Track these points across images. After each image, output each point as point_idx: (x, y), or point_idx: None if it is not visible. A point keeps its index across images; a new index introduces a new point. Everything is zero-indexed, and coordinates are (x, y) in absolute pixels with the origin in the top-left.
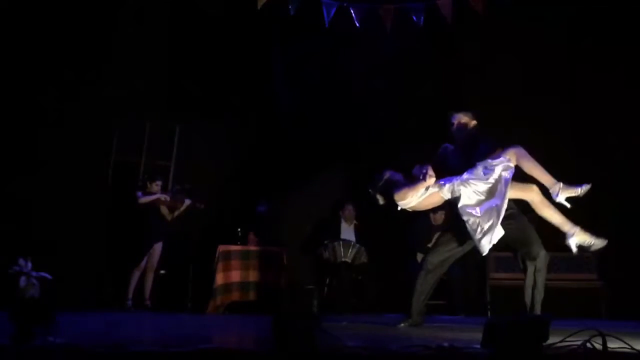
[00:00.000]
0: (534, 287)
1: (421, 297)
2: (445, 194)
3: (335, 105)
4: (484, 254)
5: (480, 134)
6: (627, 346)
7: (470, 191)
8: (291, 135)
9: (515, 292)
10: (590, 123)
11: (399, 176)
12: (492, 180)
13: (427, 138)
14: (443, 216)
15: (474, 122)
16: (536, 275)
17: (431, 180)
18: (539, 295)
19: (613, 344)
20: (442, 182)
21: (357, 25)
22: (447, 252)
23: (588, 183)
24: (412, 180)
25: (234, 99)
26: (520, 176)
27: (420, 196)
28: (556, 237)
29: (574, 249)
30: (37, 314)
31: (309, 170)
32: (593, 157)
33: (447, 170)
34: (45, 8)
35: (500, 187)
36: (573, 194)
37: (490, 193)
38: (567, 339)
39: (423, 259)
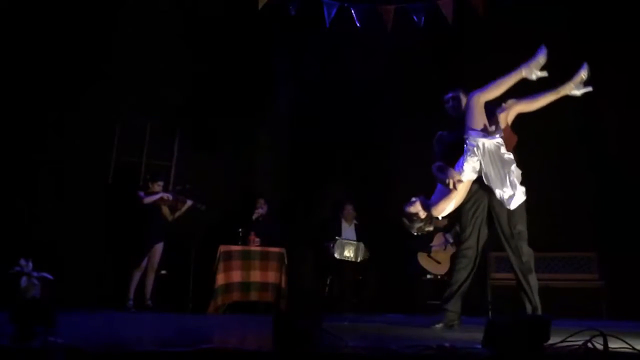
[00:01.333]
0: (530, 290)
1: (453, 288)
2: (470, 175)
3: (335, 106)
4: (513, 208)
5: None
6: (628, 346)
7: (483, 155)
8: (291, 135)
9: (516, 292)
10: (591, 123)
11: (421, 199)
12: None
13: (428, 138)
14: (446, 221)
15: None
16: (528, 279)
17: (460, 185)
18: (537, 296)
19: (614, 344)
20: (458, 169)
21: (358, 25)
22: (474, 236)
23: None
24: (437, 182)
25: (234, 99)
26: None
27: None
28: (557, 238)
29: (588, 89)
30: (37, 314)
31: (309, 171)
32: (593, 157)
33: (450, 151)
34: (46, 8)
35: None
36: (540, 65)
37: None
38: (568, 339)
39: (455, 252)
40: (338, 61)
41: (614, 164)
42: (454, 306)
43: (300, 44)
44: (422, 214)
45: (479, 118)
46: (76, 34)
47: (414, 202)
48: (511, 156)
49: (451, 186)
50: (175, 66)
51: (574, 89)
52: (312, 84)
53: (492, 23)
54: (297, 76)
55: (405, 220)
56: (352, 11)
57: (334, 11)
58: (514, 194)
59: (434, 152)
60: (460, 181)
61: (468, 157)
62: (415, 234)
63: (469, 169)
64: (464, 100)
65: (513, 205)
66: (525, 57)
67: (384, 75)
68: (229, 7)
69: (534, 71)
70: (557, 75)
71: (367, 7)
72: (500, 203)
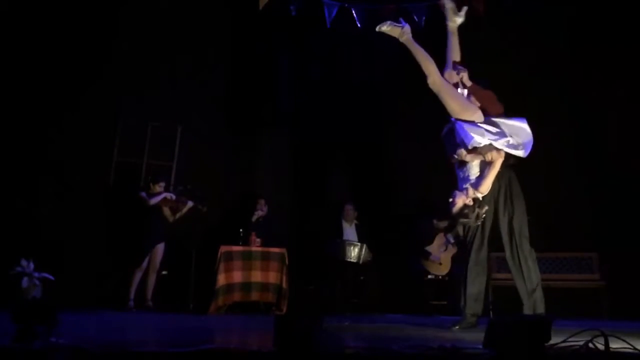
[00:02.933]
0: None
1: (472, 293)
2: (485, 140)
3: (335, 106)
4: (525, 156)
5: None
6: (629, 346)
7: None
8: (292, 135)
9: (517, 293)
10: (591, 122)
11: (457, 192)
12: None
13: (427, 137)
14: (446, 223)
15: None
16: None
17: (501, 154)
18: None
19: (615, 344)
20: (470, 140)
21: (359, 25)
22: (479, 235)
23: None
24: (458, 170)
25: (235, 99)
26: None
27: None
28: (557, 238)
29: (464, 9)
30: (39, 315)
31: (309, 171)
32: (594, 157)
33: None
34: (46, 8)
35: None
36: (454, 10)
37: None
38: (570, 339)
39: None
40: (338, 61)
41: (614, 164)
42: (473, 309)
43: (301, 44)
44: (469, 201)
45: (453, 98)
46: (77, 33)
47: (457, 197)
48: (494, 127)
49: (495, 157)
50: (175, 66)
51: (456, 21)
52: (313, 84)
53: (493, 23)
54: (297, 76)
55: (463, 220)
56: (353, 11)
57: (334, 11)
58: (519, 141)
59: (447, 145)
60: (499, 150)
61: (466, 128)
62: (479, 222)
63: (479, 135)
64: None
65: (525, 154)
66: (521, 56)
67: (385, 75)
68: (229, 7)
69: (452, 21)
70: (558, 74)
71: (368, 7)
72: (504, 209)
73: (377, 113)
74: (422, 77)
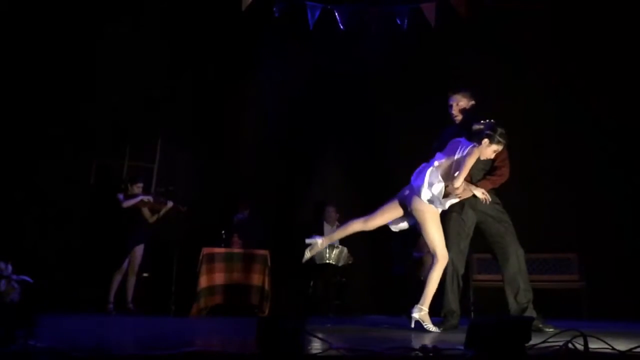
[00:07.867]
0: (518, 291)
1: (453, 296)
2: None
3: (317, 110)
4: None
5: (476, 115)
6: (608, 347)
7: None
8: (274, 137)
9: (498, 294)
10: (576, 123)
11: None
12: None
13: (414, 140)
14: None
15: (472, 103)
16: (518, 278)
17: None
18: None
19: (594, 344)
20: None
21: (342, 27)
22: (459, 238)
23: None
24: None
25: (217, 101)
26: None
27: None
28: (538, 239)
29: None
30: (18, 318)
31: (291, 173)
32: (578, 160)
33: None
34: (37, 15)
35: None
36: None
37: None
38: (549, 340)
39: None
40: (322, 64)
41: (595, 166)
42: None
43: (284, 46)
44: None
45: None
46: (62, 37)
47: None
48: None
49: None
50: (159, 68)
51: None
52: (296, 87)
53: (475, 24)
54: (280, 79)
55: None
56: (336, 14)
57: (317, 13)
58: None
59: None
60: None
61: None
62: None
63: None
64: (468, 104)
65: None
66: (505, 56)
67: (368, 78)
68: (212, 8)
69: None
70: (540, 75)
71: (351, 10)
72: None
73: (358, 117)
74: (417, 77)
